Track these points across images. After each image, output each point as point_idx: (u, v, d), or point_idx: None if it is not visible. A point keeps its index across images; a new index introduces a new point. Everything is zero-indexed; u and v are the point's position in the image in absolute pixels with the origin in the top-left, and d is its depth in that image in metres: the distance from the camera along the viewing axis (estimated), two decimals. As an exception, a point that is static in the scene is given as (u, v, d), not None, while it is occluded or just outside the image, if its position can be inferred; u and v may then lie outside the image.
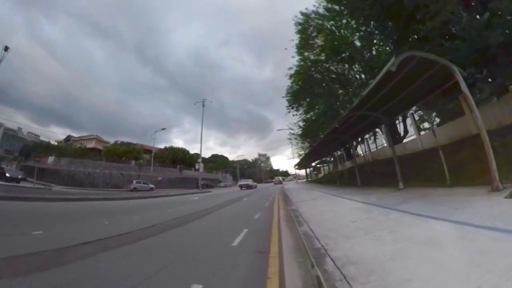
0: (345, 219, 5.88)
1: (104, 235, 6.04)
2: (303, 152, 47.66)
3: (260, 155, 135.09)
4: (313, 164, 49.61)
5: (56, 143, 62.20)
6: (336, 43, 20.96)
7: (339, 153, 34.25)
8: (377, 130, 23.54)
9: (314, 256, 3.57)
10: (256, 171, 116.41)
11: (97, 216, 9.56)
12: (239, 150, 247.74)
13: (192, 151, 71.72)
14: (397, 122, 19.52)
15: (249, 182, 44.52)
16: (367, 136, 25.40)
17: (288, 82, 28.13)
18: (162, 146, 69.54)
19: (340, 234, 4.60)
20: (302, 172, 76.92)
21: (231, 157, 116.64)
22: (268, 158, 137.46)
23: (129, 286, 3.12)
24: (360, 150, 29.09)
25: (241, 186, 41.38)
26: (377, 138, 27.00)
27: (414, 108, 15.88)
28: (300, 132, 37.84)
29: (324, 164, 48.48)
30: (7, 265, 3.79)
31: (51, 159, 43.00)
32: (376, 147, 26.87)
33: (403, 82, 8.36)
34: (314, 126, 31.47)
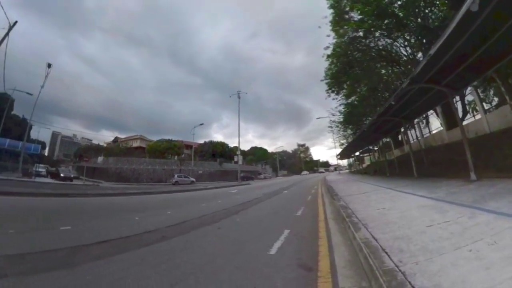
0: (416, 222, 4.37)
1: (128, 232, 5.72)
2: (345, 140, 44.89)
3: (299, 145, 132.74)
4: (356, 153, 46.33)
5: (105, 145, 68.57)
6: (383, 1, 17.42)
7: (384, 141, 31.32)
8: (429, 113, 20.91)
9: (388, 284, 2.36)
10: (296, 162, 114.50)
11: (130, 212, 9.26)
12: (278, 142, 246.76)
13: (231, 145, 73.61)
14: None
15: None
16: (417, 120, 22.62)
17: (325, 64, 25.71)
18: (202, 141, 72.02)
19: (416, 245, 3.24)
20: (344, 162, 73.51)
21: (270, 149, 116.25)
22: (307, 149, 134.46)
23: None
24: (410, 136, 25.76)
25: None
26: (429, 122, 24.25)
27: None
28: (341, 119, 35.27)
29: (368, 154, 44.78)
30: (18, 262, 3.70)
31: (100, 159, 47.70)
32: (430, 131, 24.07)
33: (481, 33, 6.33)
34: (356, 111, 29.05)
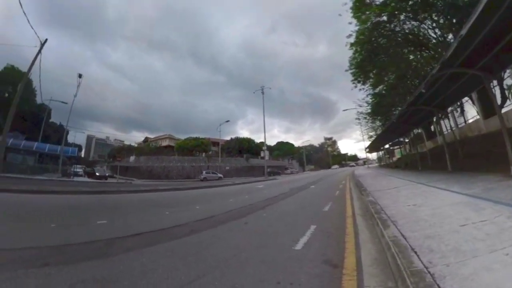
0: (449, 221, 4.10)
1: (158, 226, 6.01)
2: (373, 133, 43.02)
3: (326, 139, 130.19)
4: (386, 146, 44.11)
5: (136, 145, 72.55)
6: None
7: (415, 132, 29.67)
8: (464, 100, 19.47)
9: (416, 286, 2.24)
10: (323, 156, 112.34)
11: (161, 207, 9.68)
12: (304, 136, 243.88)
13: (257, 140, 73.98)
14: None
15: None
16: (450, 108, 20.89)
17: (349, 54, 24.19)
18: (228, 138, 73.26)
19: (448, 245, 3.05)
20: (373, 155, 71.05)
21: (297, 143, 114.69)
22: (334, 142, 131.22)
23: None
24: (443, 126, 24.16)
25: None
26: (464, 111, 22.56)
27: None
28: (369, 110, 33.79)
29: (398, 146, 42.57)
30: (58, 253, 4.06)
31: (132, 158, 51.02)
32: (465, 120, 22.53)
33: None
34: (385, 101, 27.69)
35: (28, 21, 14.24)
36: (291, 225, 5.90)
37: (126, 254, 4.08)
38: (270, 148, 70.95)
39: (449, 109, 20.54)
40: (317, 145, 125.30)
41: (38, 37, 15.82)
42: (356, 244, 4.14)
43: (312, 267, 3.27)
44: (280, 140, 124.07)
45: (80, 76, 31.05)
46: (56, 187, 15.12)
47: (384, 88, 27.08)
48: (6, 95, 39.77)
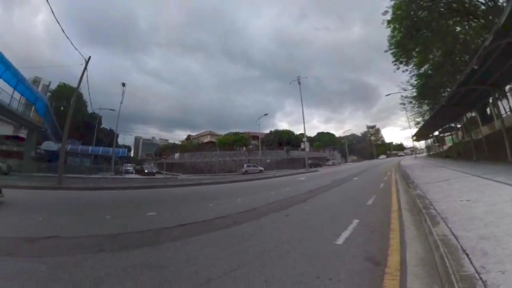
0: (508, 220, 3.59)
1: (202, 218, 6.36)
2: (420, 118, 38.86)
3: (368, 127, 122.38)
4: (435, 133, 40.09)
5: (179, 143, 77.48)
6: None
7: (468, 116, 25.88)
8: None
9: None
10: (366, 146, 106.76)
11: (205, 199, 10.14)
12: (345, 125, 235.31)
13: (297, 132, 73.44)
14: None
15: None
16: (509, 86, 17.48)
17: (386, 32, 22.29)
18: (267, 131, 73.68)
19: (505, 249, 2.67)
20: (421, 144, 65.92)
21: (338, 133, 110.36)
22: (378, 131, 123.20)
23: (203, 279, 2.91)
24: (502, 108, 20.37)
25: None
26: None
27: None
28: (414, 93, 30.62)
29: (449, 133, 37.53)
30: (112, 241, 4.59)
31: (176, 155, 55.65)
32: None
33: None
34: (432, 82, 24.90)
35: (72, 43, 16.21)
36: (333, 218, 5.78)
37: (172, 243, 4.42)
38: (310, 139, 69.75)
39: (508, 87, 17.66)
40: (360, 134, 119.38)
41: (82, 56, 17.88)
42: (401, 242, 3.91)
43: (353, 263, 3.18)
44: (320, 130, 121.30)
45: (123, 85, 35.10)
46: (110, 184, 17.63)
47: (430, 67, 24.50)
48: (62, 108, 46.98)
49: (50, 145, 35.93)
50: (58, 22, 14.82)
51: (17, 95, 27.80)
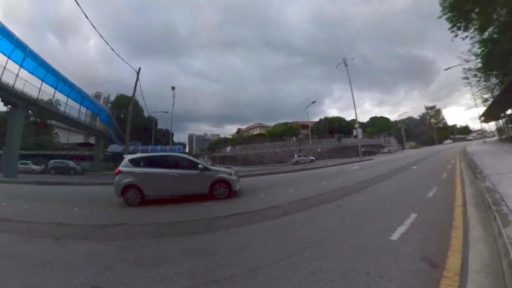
0: None
1: (255, 207, 6.60)
2: (489, 94, 30.49)
3: (427, 108, 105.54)
4: (508, 111, 31.67)
5: (230, 137, 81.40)
6: None
7: None
8: None
9: None
10: (425, 130, 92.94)
11: (256, 190, 10.37)
12: (400, 108, 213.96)
13: (348, 118, 69.50)
14: None
15: None
16: None
17: None
18: (317, 119, 71.53)
19: None
20: (491, 126, 56.02)
21: (393, 117, 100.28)
22: (438, 112, 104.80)
23: (253, 266, 3.03)
24: None
25: None
26: None
27: None
28: (479, 64, 24.88)
29: None
30: (172, 227, 5.33)
31: (228, 148, 58.14)
32: None
33: None
34: (499, 48, 19.98)
35: (123, 59, 19.41)
36: (388, 211, 5.35)
37: (225, 230, 4.73)
38: (362, 125, 65.74)
39: None
40: (418, 117, 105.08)
41: (133, 68, 21.50)
42: (464, 242, 3.39)
43: (407, 262, 2.89)
44: (373, 115, 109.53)
45: (173, 88, 38.96)
46: None
47: (495, 30, 20.08)
48: (122, 115, 56.23)
49: (115, 148, 42.64)
50: (107, 43, 17.83)
51: (83, 110, 34.69)
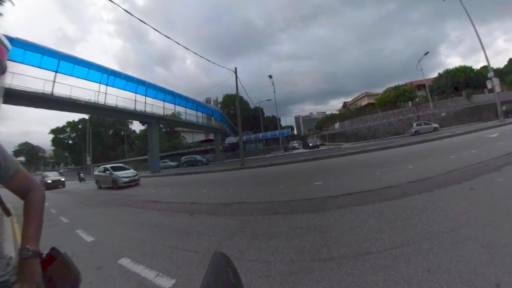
0: None
1: (368, 187, 6.24)
2: None
3: None
4: None
5: (337, 112, 79.98)
6: None
7: None
8: None
9: None
10: None
11: (371, 167, 9.75)
12: None
13: (475, 66, 50.29)
14: None
15: None
16: None
17: None
18: (435, 74, 57.42)
19: None
20: None
21: None
22: None
23: (362, 250, 2.98)
24: None
25: None
26: None
27: None
28: None
29: None
30: (285, 206, 5.75)
31: (336, 125, 57.16)
32: None
33: None
34: None
35: (219, 65, 23.10)
36: None
37: (337, 210, 4.74)
38: (499, 73, 45.50)
39: None
40: None
41: (230, 70, 25.04)
42: None
43: None
44: None
45: (270, 76, 40.86)
46: (280, 160, 22.05)
47: None
48: (232, 112, 68.26)
49: (231, 140, 53.81)
50: (202, 57, 25.59)
51: (199, 114, 46.37)
